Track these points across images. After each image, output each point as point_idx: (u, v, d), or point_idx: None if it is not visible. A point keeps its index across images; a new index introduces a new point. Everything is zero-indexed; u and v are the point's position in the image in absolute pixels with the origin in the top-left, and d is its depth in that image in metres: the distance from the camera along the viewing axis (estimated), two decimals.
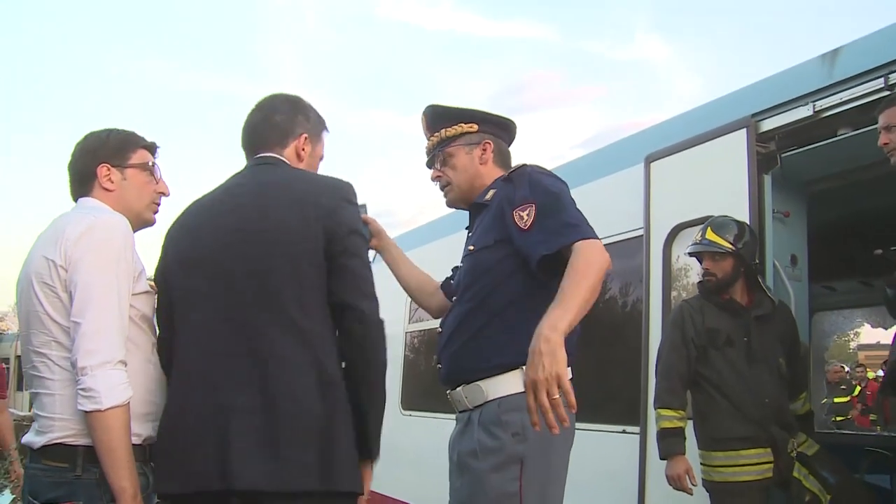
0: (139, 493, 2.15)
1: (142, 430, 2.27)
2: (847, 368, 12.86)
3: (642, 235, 4.36)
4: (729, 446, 3.53)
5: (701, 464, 3.61)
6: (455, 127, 2.87)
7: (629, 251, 4.53)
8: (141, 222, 2.54)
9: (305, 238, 2.21)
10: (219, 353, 2.20)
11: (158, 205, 2.59)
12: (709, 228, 3.67)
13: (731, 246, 3.63)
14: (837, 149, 3.77)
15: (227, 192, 2.40)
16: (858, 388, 11.67)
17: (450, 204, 3.00)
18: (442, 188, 2.95)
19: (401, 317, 6.73)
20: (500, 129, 2.95)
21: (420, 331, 6.76)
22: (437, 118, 2.93)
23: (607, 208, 4.44)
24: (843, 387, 11.32)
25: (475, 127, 2.88)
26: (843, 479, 3.59)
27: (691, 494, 3.52)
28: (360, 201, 2.84)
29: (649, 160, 4.37)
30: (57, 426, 2.20)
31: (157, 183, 2.57)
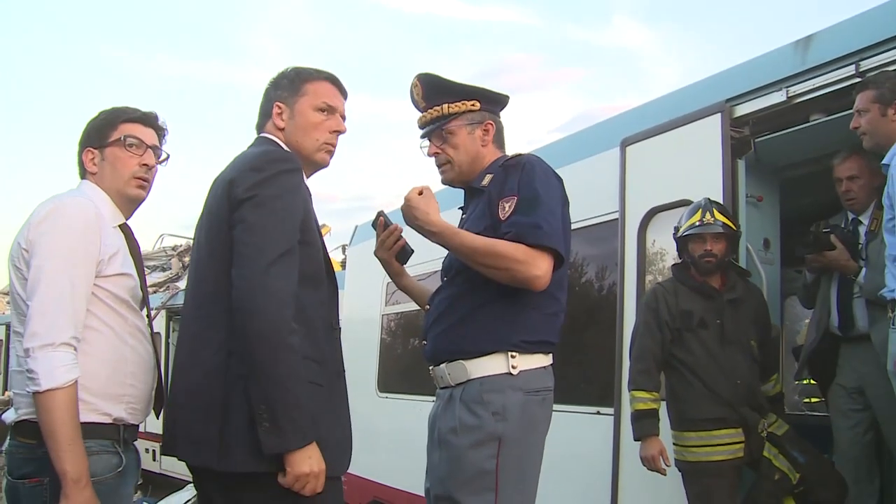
0: (84, 476, 2.13)
1: (112, 409, 2.29)
2: None
3: (617, 219, 4.39)
4: (701, 427, 3.58)
5: (674, 444, 3.65)
6: (458, 104, 2.81)
7: (605, 234, 4.56)
8: (126, 199, 2.52)
9: (218, 215, 2.27)
10: (182, 333, 2.38)
11: (143, 178, 2.52)
12: (715, 210, 3.68)
13: (735, 227, 3.68)
14: (810, 134, 3.81)
15: None
16: None
17: (446, 182, 2.94)
18: (439, 165, 2.89)
19: (377, 300, 6.73)
20: (498, 106, 2.92)
21: (396, 313, 6.77)
22: (437, 91, 2.85)
23: (583, 191, 4.46)
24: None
25: (477, 105, 2.83)
26: (812, 459, 3.66)
27: (665, 475, 3.57)
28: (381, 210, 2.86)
29: (625, 144, 4.40)
30: (24, 402, 2.24)
31: (142, 155, 2.51)
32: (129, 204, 2.53)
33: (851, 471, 3.76)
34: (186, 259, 14.39)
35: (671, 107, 4.34)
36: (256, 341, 2.08)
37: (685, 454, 3.61)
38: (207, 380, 2.20)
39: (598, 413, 4.35)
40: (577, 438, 4.35)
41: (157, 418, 2.52)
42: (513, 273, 2.50)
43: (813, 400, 10.23)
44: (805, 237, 3.80)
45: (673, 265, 3.91)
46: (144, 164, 2.51)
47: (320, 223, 2.47)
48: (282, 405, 2.07)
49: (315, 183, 2.54)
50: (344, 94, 2.57)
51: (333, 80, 2.55)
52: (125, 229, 2.50)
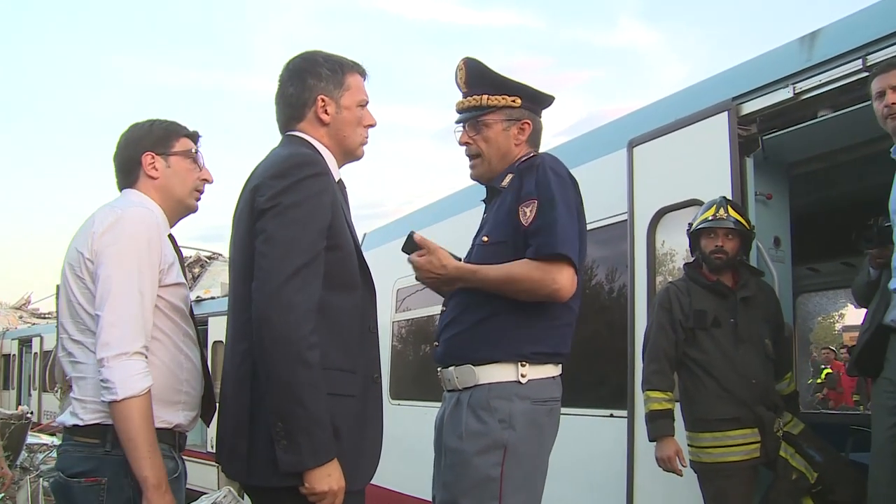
0: (164, 481, 2.19)
1: (171, 416, 2.36)
2: (833, 349, 13.09)
3: (626, 220, 4.38)
4: (716, 427, 3.55)
5: (688, 445, 3.63)
6: (499, 97, 2.76)
7: (614, 236, 4.54)
8: (184, 209, 2.60)
9: (242, 223, 2.26)
10: (225, 344, 2.36)
11: (201, 192, 2.63)
12: (729, 206, 3.66)
13: (748, 226, 3.67)
14: (818, 130, 3.78)
15: None
16: (826, 371, 11.91)
17: (474, 177, 2.89)
18: (470, 157, 2.85)
19: (387, 306, 6.73)
20: (541, 106, 2.88)
21: (407, 320, 6.77)
22: (481, 80, 2.79)
23: (591, 193, 4.46)
24: (810, 369, 11.52)
25: (518, 101, 2.78)
26: (829, 458, 3.63)
27: (681, 476, 3.55)
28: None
29: (632, 145, 4.38)
30: (90, 408, 2.26)
31: (201, 170, 2.61)
32: (180, 214, 2.61)
33: (888, 470, 3.69)
34: (196, 270, 14.46)
35: (677, 106, 4.32)
36: (272, 357, 2.04)
37: (700, 455, 3.58)
38: (235, 391, 2.22)
39: (612, 416, 4.33)
40: (590, 441, 4.34)
41: (207, 426, 2.54)
42: (535, 293, 2.51)
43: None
44: (866, 232, 3.73)
45: (685, 264, 3.89)
46: (204, 179, 2.62)
47: None
48: (297, 422, 2.04)
49: None
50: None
51: (364, 73, 2.48)
52: (171, 239, 2.54)
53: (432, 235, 3.18)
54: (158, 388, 2.26)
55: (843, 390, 11.44)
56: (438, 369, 2.76)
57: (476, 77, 2.80)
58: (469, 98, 2.80)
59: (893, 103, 3.10)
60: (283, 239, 2.11)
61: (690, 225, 3.78)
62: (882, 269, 3.71)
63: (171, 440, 2.36)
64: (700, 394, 3.63)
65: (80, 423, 2.26)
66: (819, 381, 11.49)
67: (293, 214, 2.14)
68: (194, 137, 2.62)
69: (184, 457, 2.46)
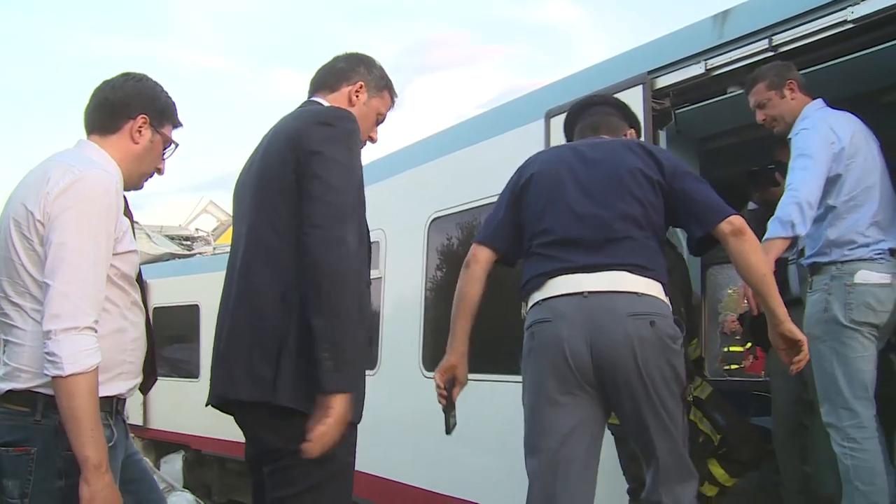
0: (105, 461, 2.09)
1: (110, 384, 2.25)
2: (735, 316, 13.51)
3: None
4: None
5: None
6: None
7: None
8: (132, 185, 2.49)
9: (279, 163, 2.33)
10: (232, 272, 2.46)
11: (150, 177, 2.56)
12: None
13: None
14: (728, 106, 3.91)
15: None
16: None
17: None
18: None
19: None
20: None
21: None
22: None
23: (509, 162, 4.50)
24: (737, 337, 11.82)
25: None
26: (732, 421, 3.77)
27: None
28: None
29: (549, 115, 4.43)
30: (24, 377, 2.16)
31: (163, 161, 2.55)
32: (129, 186, 2.48)
33: (787, 428, 3.87)
34: None
35: (595, 79, 4.39)
36: (336, 293, 2.17)
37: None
38: (262, 320, 2.28)
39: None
40: (506, 408, 4.40)
41: (144, 395, 2.49)
42: None
43: (733, 367, 10.64)
44: (754, 174, 3.96)
45: None
46: (158, 169, 2.55)
47: None
48: (347, 352, 2.19)
49: None
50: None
51: (395, 100, 2.76)
52: (124, 201, 2.43)
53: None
54: (102, 359, 2.15)
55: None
56: None
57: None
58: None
59: (763, 120, 3.46)
60: (338, 187, 2.26)
61: None
62: (760, 204, 3.97)
63: (108, 407, 2.25)
64: None
65: (10, 388, 2.16)
66: (738, 349, 11.80)
67: (348, 164, 2.32)
68: (177, 128, 2.57)
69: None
